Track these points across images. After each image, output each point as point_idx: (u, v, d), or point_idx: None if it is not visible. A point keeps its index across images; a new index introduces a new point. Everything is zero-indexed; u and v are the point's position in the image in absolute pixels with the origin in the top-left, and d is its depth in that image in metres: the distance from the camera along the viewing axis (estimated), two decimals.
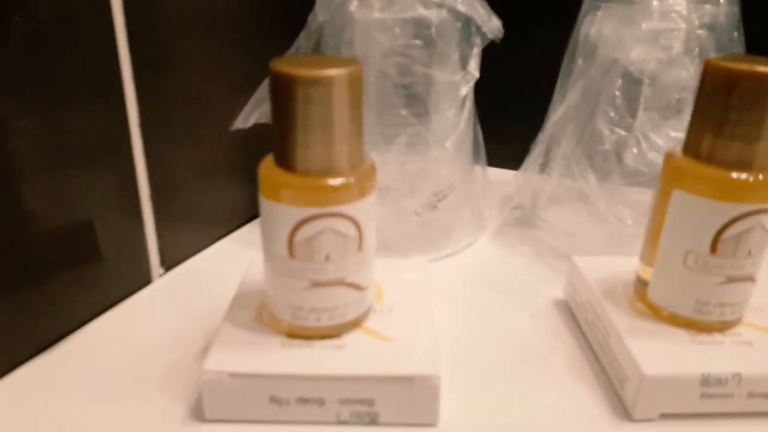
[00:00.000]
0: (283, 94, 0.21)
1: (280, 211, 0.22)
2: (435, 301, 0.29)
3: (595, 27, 0.34)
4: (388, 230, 0.35)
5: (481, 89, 0.36)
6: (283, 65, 0.21)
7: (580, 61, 0.35)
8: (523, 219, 0.40)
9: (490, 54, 0.35)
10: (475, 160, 0.38)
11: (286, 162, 0.22)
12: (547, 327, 0.30)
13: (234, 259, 0.33)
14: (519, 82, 0.44)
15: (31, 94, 0.25)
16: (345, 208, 0.23)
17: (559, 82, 0.37)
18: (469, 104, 0.35)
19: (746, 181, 0.23)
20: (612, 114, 0.32)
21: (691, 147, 0.24)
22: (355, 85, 0.22)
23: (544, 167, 0.38)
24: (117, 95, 0.29)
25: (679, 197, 0.24)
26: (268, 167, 0.23)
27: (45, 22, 0.25)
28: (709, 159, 0.23)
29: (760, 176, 0.23)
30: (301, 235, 0.22)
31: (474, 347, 0.29)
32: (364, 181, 0.23)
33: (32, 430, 0.23)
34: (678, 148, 0.25)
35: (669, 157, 0.25)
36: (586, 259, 0.31)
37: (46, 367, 0.27)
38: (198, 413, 0.24)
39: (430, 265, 0.31)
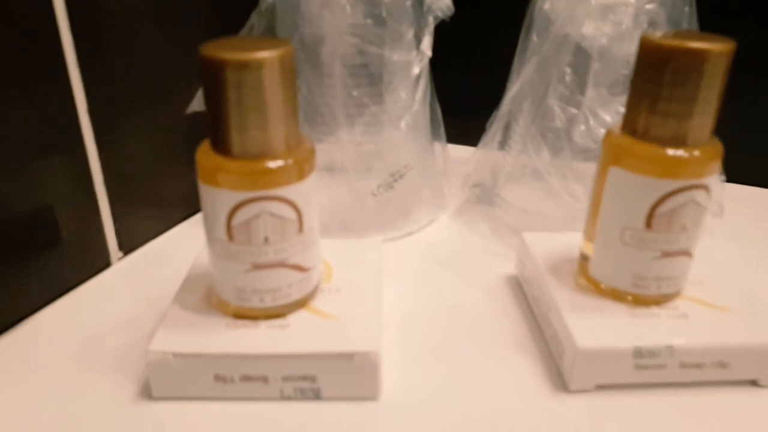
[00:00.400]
0: (214, 79, 0.21)
1: (217, 196, 0.23)
2: (389, 279, 0.30)
3: (549, 2, 0.34)
4: (345, 211, 0.35)
5: (441, 65, 0.36)
6: (212, 50, 0.21)
7: (534, 37, 0.35)
8: (483, 197, 0.40)
9: (451, 30, 0.35)
10: (435, 137, 0.39)
11: (221, 147, 0.23)
12: (497, 303, 0.31)
13: (191, 243, 0.33)
14: (480, 57, 0.44)
15: None
16: (282, 191, 0.23)
17: (517, 57, 0.37)
18: (424, 83, 0.35)
19: (678, 157, 0.23)
20: (563, 90, 0.32)
21: (628, 124, 0.24)
22: (287, 68, 0.22)
23: (503, 144, 0.38)
24: (63, 82, 0.29)
25: (615, 174, 0.25)
26: (204, 152, 0.23)
27: None
28: (645, 136, 0.24)
29: (695, 152, 0.23)
30: (237, 219, 0.23)
31: (423, 323, 0.29)
32: (302, 163, 0.23)
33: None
34: (618, 125, 0.25)
35: (608, 134, 0.25)
36: (535, 236, 0.31)
37: (2, 349, 0.27)
38: (146, 392, 0.24)
39: (382, 244, 0.32)
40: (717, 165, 0.24)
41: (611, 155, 0.25)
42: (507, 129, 0.38)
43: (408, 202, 0.37)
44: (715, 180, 0.24)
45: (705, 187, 0.24)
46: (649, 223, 0.24)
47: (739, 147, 0.44)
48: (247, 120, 0.22)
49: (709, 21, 0.35)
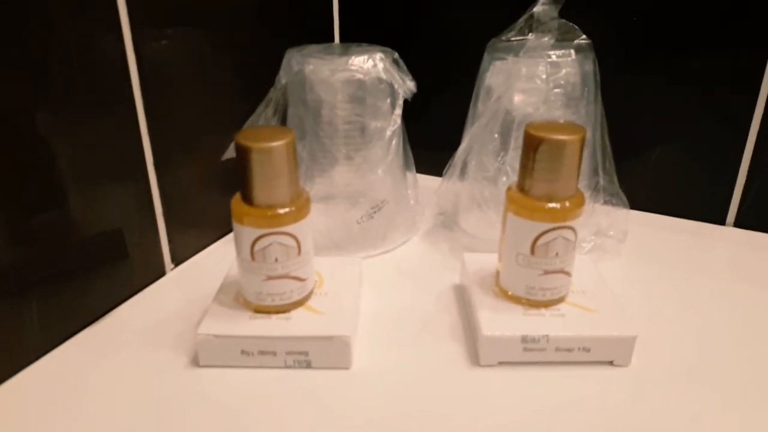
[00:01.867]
0: (243, 158, 0.34)
1: (244, 231, 0.35)
2: (368, 286, 0.41)
3: (489, 79, 0.46)
4: (337, 235, 0.47)
5: (417, 115, 0.48)
6: (242, 138, 0.33)
7: (480, 105, 0.47)
8: (446, 223, 0.52)
9: (425, 90, 0.47)
10: (408, 172, 0.50)
11: (247, 199, 0.35)
12: (443, 304, 0.42)
13: (225, 258, 0.45)
14: (447, 110, 0.55)
15: (68, 118, 0.37)
16: (286, 228, 0.35)
17: (470, 114, 0.48)
18: (396, 140, 0.47)
19: (548, 208, 0.34)
20: (493, 149, 0.43)
21: (519, 184, 0.36)
22: (290, 150, 0.34)
23: (462, 178, 0.50)
24: (133, 127, 0.41)
25: (510, 217, 0.36)
26: (236, 202, 0.35)
27: (76, 70, 0.37)
28: (528, 192, 0.35)
29: (558, 205, 0.35)
30: (257, 247, 0.35)
31: (388, 318, 0.41)
32: (300, 209, 0.35)
33: (93, 377, 0.36)
34: (515, 183, 0.37)
35: (508, 189, 0.37)
36: (473, 255, 0.43)
37: (93, 336, 0.40)
38: (195, 362, 0.36)
39: (362, 261, 0.43)
40: (579, 212, 0.35)
41: (509, 204, 0.36)
42: (465, 168, 0.49)
43: (385, 228, 0.48)
44: (579, 222, 0.35)
45: (571, 228, 0.35)
46: (533, 251, 0.35)
47: (643, 180, 0.56)
48: (264, 184, 0.34)
49: (611, 93, 0.47)
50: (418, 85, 0.47)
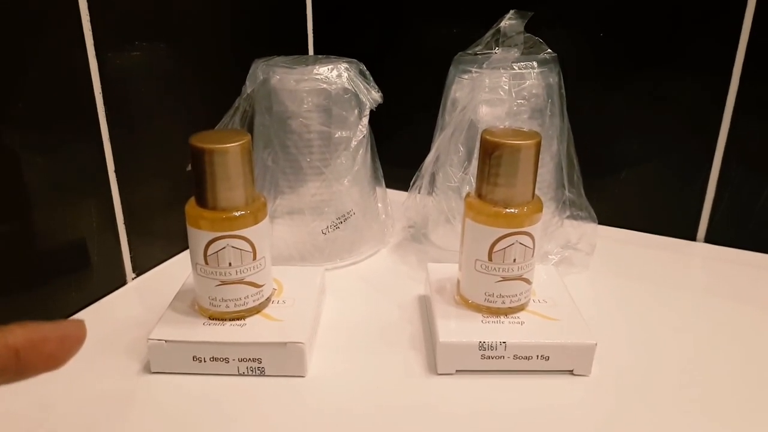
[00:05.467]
0: (198, 160, 0.33)
1: (197, 235, 0.34)
2: (332, 296, 0.41)
3: (455, 92, 0.46)
4: (302, 245, 0.47)
5: (389, 131, 0.48)
6: (196, 140, 0.33)
7: (447, 117, 0.47)
8: (415, 235, 0.51)
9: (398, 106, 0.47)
10: (379, 185, 0.50)
11: (201, 201, 0.34)
12: (406, 314, 0.42)
13: (185, 268, 0.44)
14: (418, 126, 0.56)
15: (30, 129, 0.37)
16: (241, 232, 0.34)
17: (437, 127, 0.49)
18: (363, 151, 0.46)
19: (504, 213, 0.34)
20: (458, 160, 0.43)
21: (477, 190, 0.36)
22: (245, 152, 0.34)
23: (431, 191, 0.50)
24: (96, 142, 0.41)
25: (468, 223, 0.36)
26: (191, 205, 0.35)
27: (38, 82, 0.37)
28: (485, 198, 0.35)
29: (515, 210, 0.34)
30: (211, 250, 0.34)
31: (349, 327, 0.40)
32: (256, 213, 0.35)
33: (44, 383, 0.35)
34: (473, 190, 0.37)
35: (466, 196, 0.37)
36: (437, 266, 0.42)
37: None
38: (147, 368, 0.36)
39: (326, 271, 0.43)
40: (536, 218, 0.35)
41: (467, 210, 0.36)
42: (433, 180, 0.49)
43: (351, 240, 0.48)
44: (537, 228, 0.35)
45: (528, 234, 0.35)
46: (490, 257, 0.35)
47: (613, 196, 0.56)
48: (218, 186, 0.33)
49: (576, 104, 0.47)
50: (391, 101, 0.47)
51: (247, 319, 0.36)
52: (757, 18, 0.47)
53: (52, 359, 0.22)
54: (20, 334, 0.21)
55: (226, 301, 0.36)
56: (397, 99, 0.50)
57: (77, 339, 0.23)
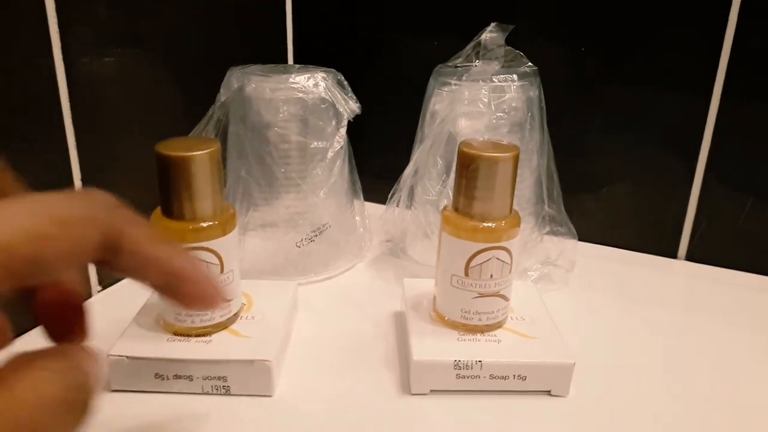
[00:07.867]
0: (163, 168, 0.32)
1: None
2: (305, 311, 0.39)
3: (434, 104, 0.45)
4: (275, 259, 0.45)
5: (368, 144, 0.47)
6: (162, 148, 0.32)
7: (426, 129, 0.46)
8: (393, 250, 0.50)
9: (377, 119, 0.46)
10: (357, 198, 0.49)
11: (167, 211, 0.33)
12: (381, 331, 0.40)
13: None
14: (398, 141, 0.55)
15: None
16: (208, 243, 0.33)
17: (416, 140, 0.48)
18: (339, 162, 0.45)
19: (481, 227, 0.33)
20: (436, 173, 0.42)
21: (453, 203, 0.35)
22: (214, 160, 0.33)
23: (409, 205, 0.49)
24: (61, 140, 0.40)
25: (444, 237, 0.35)
26: (156, 215, 0.33)
27: (3, 86, 0.36)
28: (462, 212, 0.34)
29: (492, 224, 0.33)
30: None
31: (321, 344, 0.39)
32: (224, 224, 0.34)
33: None
34: (450, 203, 0.36)
35: (443, 209, 0.36)
36: (413, 281, 0.41)
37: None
38: (107, 386, 0.34)
39: (298, 285, 0.42)
40: (514, 233, 0.34)
41: (443, 224, 0.35)
42: (412, 194, 0.48)
43: (327, 253, 0.47)
44: (515, 243, 0.34)
45: (505, 249, 0.34)
46: (467, 272, 0.34)
47: (594, 212, 0.55)
48: (183, 195, 0.32)
49: (555, 118, 0.46)
50: (369, 112, 0.46)
51: (214, 336, 0.35)
52: (737, 39, 0.47)
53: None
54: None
55: (191, 316, 0.34)
56: (376, 110, 0.50)
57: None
